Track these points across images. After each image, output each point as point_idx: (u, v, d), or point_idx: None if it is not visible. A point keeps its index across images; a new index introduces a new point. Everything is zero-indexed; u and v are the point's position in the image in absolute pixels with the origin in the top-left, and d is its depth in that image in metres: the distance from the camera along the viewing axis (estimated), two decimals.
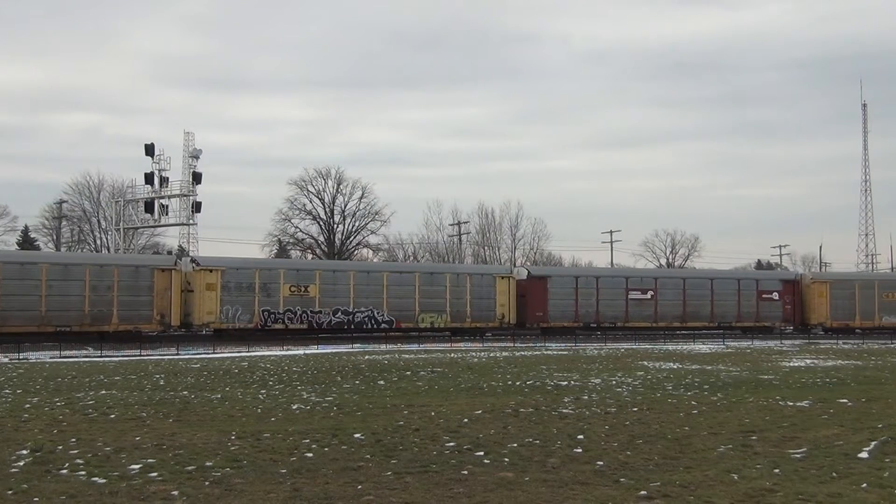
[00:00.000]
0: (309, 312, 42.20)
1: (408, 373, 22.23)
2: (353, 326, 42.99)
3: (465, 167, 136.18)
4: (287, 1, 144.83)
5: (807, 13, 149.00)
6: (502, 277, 46.81)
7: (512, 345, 39.26)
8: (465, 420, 13.28)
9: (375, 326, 43.50)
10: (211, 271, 40.57)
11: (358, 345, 38.52)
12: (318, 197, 77.45)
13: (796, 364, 26.41)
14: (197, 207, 56.02)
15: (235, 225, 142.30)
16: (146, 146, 55.49)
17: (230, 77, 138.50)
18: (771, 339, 46.86)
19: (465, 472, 9.34)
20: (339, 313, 42.79)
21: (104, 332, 38.03)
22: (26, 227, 78.24)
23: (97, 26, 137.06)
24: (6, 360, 29.15)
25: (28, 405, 15.19)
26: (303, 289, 42.26)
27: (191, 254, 69.06)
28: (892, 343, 43.35)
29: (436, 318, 44.74)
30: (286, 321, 41.70)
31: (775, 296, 51.79)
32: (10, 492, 8.40)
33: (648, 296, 49.35)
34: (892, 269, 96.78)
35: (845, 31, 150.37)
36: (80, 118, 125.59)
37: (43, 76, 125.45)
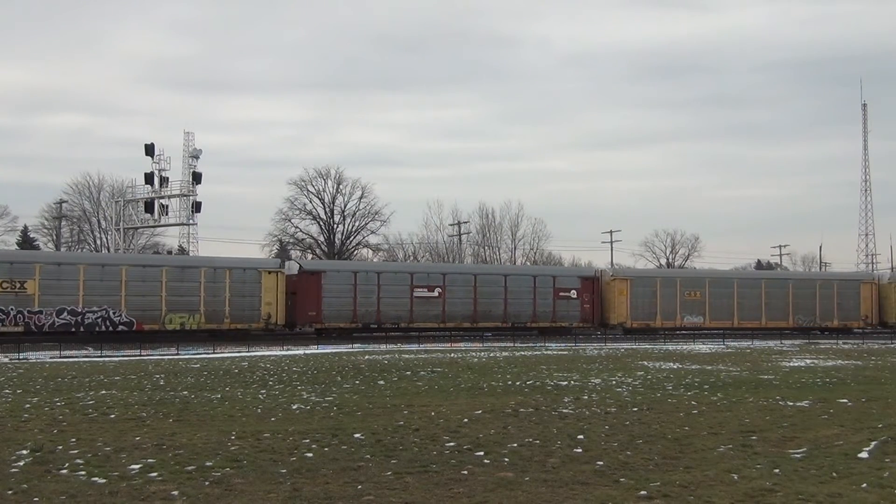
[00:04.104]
0: (26, 312, 37.05)
1: (408, 373, 22.23)
2: (82, 329, 38.19)
3: (457, 168, 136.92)
4: (268, 6, 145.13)
5: (785, 17, 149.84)
6: (269, 272, 41.89)
7: (512, 345, 39.26)
8: (465, 420, 13.28)
9: (111, 329, 38.57)
10: None
11: (358, 345, 38.52)
12: (318, 197, 77.54)
13: (796, 364, 26.41)
14: (197, 207, 56.04)
15: (230, 225, 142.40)
16: (146, 146, 55.50)
17: (218, 79, 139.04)
18: (771, 339, 46.75)
19: (465, 472, 9.34)
20: (66, 313, 37.80)
21: None
22: (26, 228, 78.33)
23: (82, 29, 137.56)
24: (6, 360, 29.15)
25: (28, 405, 15.19)
26: (18, 284, 37.05)
27: (191, 254, 69.03)
28: (892, 343, 43.35)
29: (187, 318, 40.04)
30: None
31: (573, 294, 47.94)
32: (10, 492, 8.40)
33: (436, 293, 44.90)
34: (892, 268, 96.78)
35: (827, 34, 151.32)
36: (69, 120, 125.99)
37: (29, 78, 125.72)
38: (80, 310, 38.10)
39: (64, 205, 75.17)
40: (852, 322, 52.64)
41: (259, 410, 14.51)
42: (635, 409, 14.72)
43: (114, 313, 38.70)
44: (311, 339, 40.48)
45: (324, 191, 77.60)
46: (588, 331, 48.19)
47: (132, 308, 39.03)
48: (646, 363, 26.18)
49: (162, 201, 56.06)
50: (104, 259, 43.18)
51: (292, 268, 43.69)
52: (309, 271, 43.36)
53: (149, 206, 56.39)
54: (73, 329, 38.11)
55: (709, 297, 50.16)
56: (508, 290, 46.69)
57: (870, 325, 53.03)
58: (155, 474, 9.16)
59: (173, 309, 39.88)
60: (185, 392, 17.48)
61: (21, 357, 30.23)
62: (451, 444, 11.10)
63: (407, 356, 29.71)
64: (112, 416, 13.77)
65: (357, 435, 11.72)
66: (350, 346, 37.71)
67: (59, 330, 37.67)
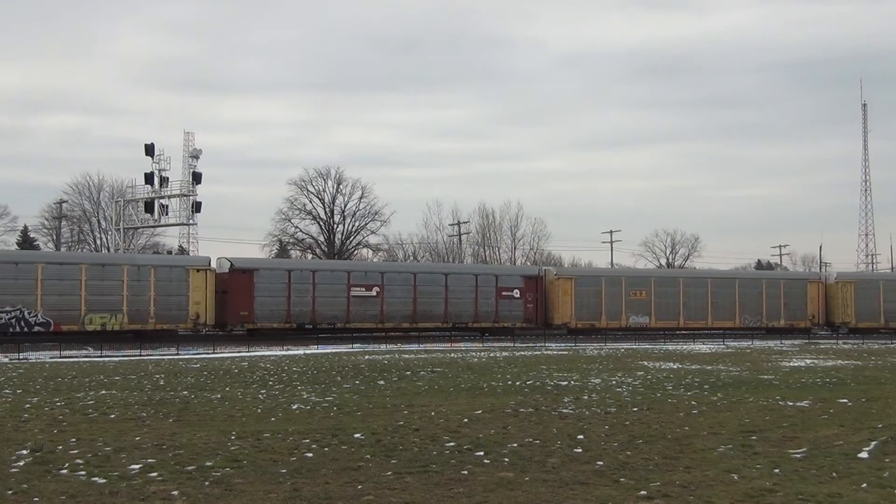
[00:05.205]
0: None
1: (408, 373, 22.24)
2: None
3: (457, 168, 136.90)
4: (265, 6, 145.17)
5: (780, 18, 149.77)
6: (198, 270, 40.39)
7: (512, 345, 39.27)
8: (465, 420, 13.28)
9: (26, 330, 36.60)
10: None
11: (358, 345, 38.52)
12: (318, 197, 77.52)
13: (796, 364, 26.41)
14: (197, 207, 55.98)
15: (230, 225, 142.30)
16: (146, 146, 55.46)
17: (217, 80, 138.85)
18: (771, 339, 46.67)
19: (465, 472, 9.34)
20: None
21: None
22: (26, 228, 78.30)
23: (80, 30, 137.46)
24: (6, 360, 29.15)
25: (28, 405, 15.19)
26: None
27: (191, 254, 68.99)
28: (892, 343, 43.35)
29: (108, 318, 38.30)
30: None
31: (516, 293, 46.49)
32: (10, 492, 8.40)
33: (374, 293, 43.47)
34: (893, 268, 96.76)
35: (824, 35, 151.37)
36: (68, 120, 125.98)
37: (28, 79, 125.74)
38: None
39: (64, 205, 75.18)
40: (799, 322, 51.76)
41: (259, 410, 14.51)
42: (635, 409, 14.72)
43: (29, 314, 36.86)
44: (311, 339, 40.35)
45: (324, 191, 77.67)
46: (531, 331, 46.76)
47: (49, 308, 37.16)
48: (646, 363, 26.19)
49: (162, 201, 56.01)
50: (17, 257, 40.92)
51: (223, 266, 42.13)
52: (240, 270, 41.67)
53: (149, 206, 56.34)
54: None
55: (655, 296, 49.13)
56: (449, 290, 45.23)
57: (816, 325, 52.28)
58: (155, 474, 9.16)
59: (94, 309, 38.13)
60: (185, 392, 17.48)
61: (21, 357, 30.24)
62: (451, 444, 11.10)
63: (407, 356, 29.72)
64: (112, 416, 13.77)
65: (357, 435, 11.72)
66: (350, 346, 37.72)
67: None
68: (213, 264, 42.48)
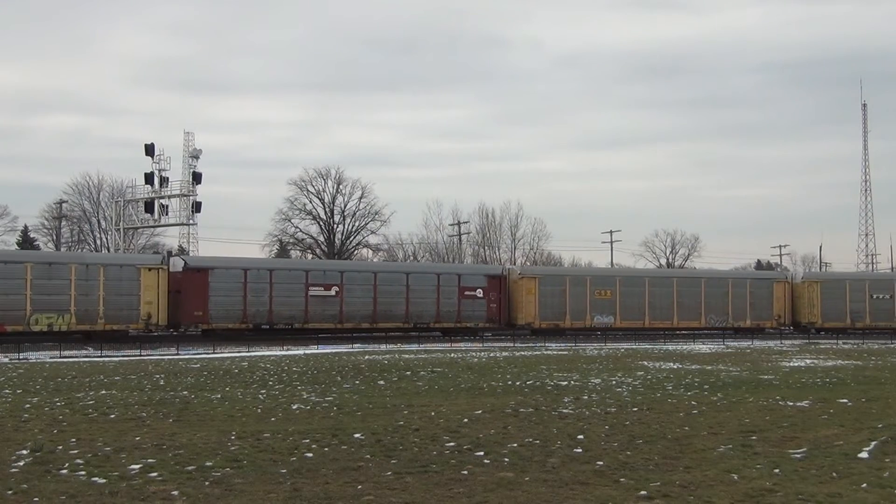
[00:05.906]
0: None
1: (408, 373, 22.24)
2: None
3: (456, 168, 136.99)
4: (264, 7, 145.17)
5: (779, 18, 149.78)
6: (150, 269, 39.48)
7: (512, 345, 39.27)
8: (465, 420, 13.28)
9: None
10: None
11: (358, 345, 38.53)
12: (318, 197, 77.60)
13: (796, 364, 26.41)
14: (197, 207, 55.96)
15: (230, 225, 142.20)
16: (146, 146, 55.44)
17: (216, 80, 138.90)
18: (770, 339, 46.61)
19: (465, 472, 9.34)
20: None
21: None
22: (26, 227, 78.31)
23: (79, 31, 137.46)
24: (6, 360, 29.16)
25: (28, 405, 15.19)
26: None
27: (191, 254, 68.99)
28: (892, 343, 43.34)
29: (56, 318, 37.23)
30: None
31: (479, 293, 45.55)
32: (10, 492, 8.40)
33: (333, 292, 42.65)
34: (893, 268, 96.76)
35: (823, 35, 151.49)
36: (68, 120, 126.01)
37: (27, 79, 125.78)
38: None
39: (64, 205, 75.21)
40: (765, 322, 51.17)
41: (259, 410, 14.51)
42: (635, 409, 14.72)
43: None
44: (311, 339, 40.30)
45: (324, 191, 77.74)
46: (493, 332, 46.06)
47: None
48: (646, 363, 26.19)
49: (162, 201, 55.98)
50: None
51: (177, 264, 41.26)
52: (195, 268, 40.77)
53: (149, 206, 56.32)
54: None
55: (619, 296, 48.33)
56: (411, 289, 44.37)
57: (782, 326, 51.66)
58: (155, 474, 9.16)
59: (40, 309, 37.07)
60: (185, 392, 17.48)
61: (21, 357, 30.25)
62: (451, 444, 11.10)
63: (407, 356, 29.72)
64: (112, 416, 13.77)
65: (357, 435, 11.72)
66: (350, 346, 37.72)
67: None
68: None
